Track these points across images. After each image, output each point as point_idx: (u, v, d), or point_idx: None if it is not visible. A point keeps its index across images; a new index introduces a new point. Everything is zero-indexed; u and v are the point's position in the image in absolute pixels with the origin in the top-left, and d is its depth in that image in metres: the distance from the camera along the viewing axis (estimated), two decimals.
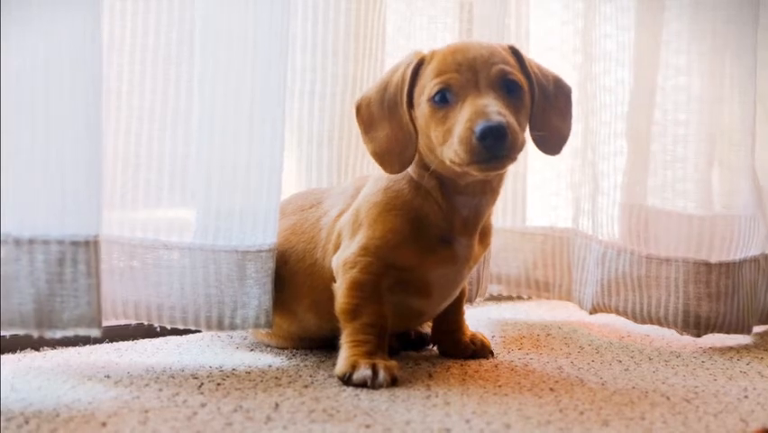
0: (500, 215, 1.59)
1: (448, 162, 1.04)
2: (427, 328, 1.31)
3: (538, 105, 1.11)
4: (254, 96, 1.14)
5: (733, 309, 1.39)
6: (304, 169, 1.39)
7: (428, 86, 1.07)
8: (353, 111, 1.14)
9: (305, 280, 1.18)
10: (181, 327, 1.17)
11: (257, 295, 1.16)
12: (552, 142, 1.14)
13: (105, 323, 1.24)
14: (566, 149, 1.57)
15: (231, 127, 1.15)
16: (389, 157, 1.11)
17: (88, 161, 1.01)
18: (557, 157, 1.59)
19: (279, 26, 1.15)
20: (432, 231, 1.11)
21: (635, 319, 1.43)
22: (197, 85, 1.15)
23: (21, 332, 1.00)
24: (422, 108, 1.08)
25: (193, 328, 1.17)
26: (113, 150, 1.16)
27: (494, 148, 1.00)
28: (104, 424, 0.88)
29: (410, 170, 1.12)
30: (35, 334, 0.99)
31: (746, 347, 1.38)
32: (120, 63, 1.16)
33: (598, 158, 1.48)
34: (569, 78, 1.57)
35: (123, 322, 1.24)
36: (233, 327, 1.16)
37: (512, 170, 1.60)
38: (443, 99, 1.05)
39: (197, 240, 1.15)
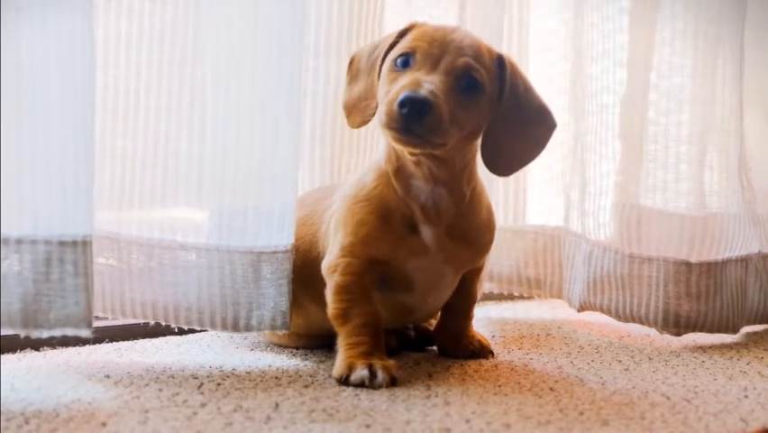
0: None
1: (379, 123, 1.05)
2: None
3: (503, 120, 1.10)
4: (269, 94, 1.15)
5: (715, 309, 1.39)
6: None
7: (398, 47, 1.08)
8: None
9: (310, 272, 1.18)
10: (198, 327, 1.17)
11: (272, 296, 1.16)
12: (504, 162, 1.13)
13: (119, 322, 1.26)
14: (563, 149, 1.58)
15: (246, 126, 1.15)
16: (354, 111, 1.14)
17: (79, 161, 1.01)
18: (556, 158, 1.61)
19: (294, 25, 1.15)
20: (397, 218, 1.11)
21: (618, 318, 1.44)
22: (213, 84, 1.16)
23: (7, 331, 1.00)
24: (385, 66, 1.09)
25: (209, 329, 1.18)
26: (131, 150, 1.16)
27: (409, 120, 1.00)
28: (104, 424, 0.88)
29: (383, 154, 1.13)
30: (22, 333, 0.99)
31: (746, 347, 1.38)
32: (138, 62, 1.16)
33: (588, 156, 1.48)
34: (567, 78, 1.58)
35: (135, 321, 1.25)
36: (248, 328, 1.16)
37: None
38: (405, 64, 1.06)
39: (213, 240, 1.16)
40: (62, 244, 1.00)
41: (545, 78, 1.63)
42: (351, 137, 1.41)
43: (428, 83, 1.02)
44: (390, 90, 1.04)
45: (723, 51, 1.42)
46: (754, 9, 1.50)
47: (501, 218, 1.62)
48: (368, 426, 0.89)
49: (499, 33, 1.54)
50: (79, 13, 1.00)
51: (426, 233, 1.12)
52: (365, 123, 1.13)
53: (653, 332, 1.45)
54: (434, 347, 1.28)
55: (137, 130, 1.16)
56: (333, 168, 1.40)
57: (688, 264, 1.39)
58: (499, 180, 1.60)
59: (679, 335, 1.40)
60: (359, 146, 1.42)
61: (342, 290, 1.11)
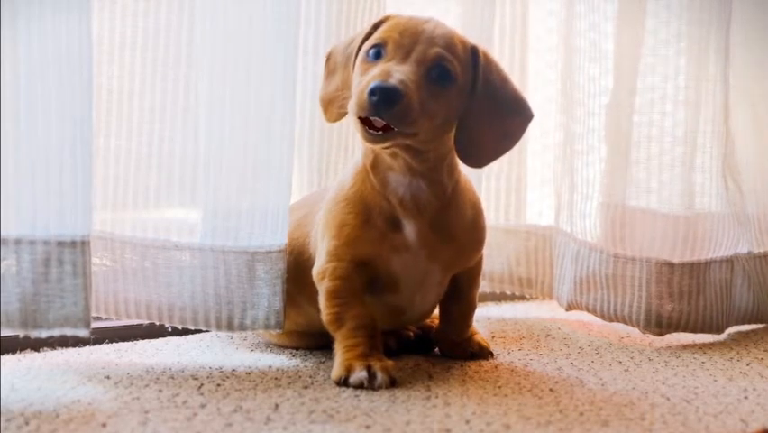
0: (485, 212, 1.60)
1: (350, 114, 1.04)
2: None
3: (477, 110, 1.09)
4: (263, 94, 1.15)
5: (698, 309, 1.40)
6: None
7: (371, 39, 1.08)
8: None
9: (304, 274, 1.18)
10: (192, 327, 1.17)
11: (266, 296, 1.16)
12: (477, 153, 1.12)
13: (119, 323, 1.26)
14: (558, 151, 1.58)
15: (240, 126, 1.15)
16: (330, 105, 1.14)
17: (77, 162, 1.01)
18: (557, 157, 1.61)
19: (288, 25, 1.15)
20: (377, 215, 1.11)
21: (602, 317, 1.45)
22: (207, 84, 1.16)
23: (6, 331, 1.00)
24: (358, 58, 1.09)
25: (204, 329, 1.18)
26: (125, 150, 1.17)
27: (379, 108, 0.99)
28: (104, 425, 0.88)
29: (362, 150, 1.13)
30: (20, 333, 1.00)
31: (746, 348, 1.38)
32: (132, 63, 1.16)
33: (578, 156, 1.49)
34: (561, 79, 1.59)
35: (134, 322, 1.25)
36: (242, 327, 1.17)
37: (494, 168, 1.60)
38: (377, 55, 1.06)
39: (208, 240, 1.16)
40: (61, 244, 1.00)
41: (545, 78, 1.64)
42: (339, 136, 1.41)
43: (398, 72, 1.02)
44: (362, 81, 1.04)
45: (708, 54, 1.43)
46: (743, 9, 1.50)
47: (493, 218, 1.62)
48: (368, 427, 0.89)
49: (500, 34, 1.55)
50: (77, 12, 1.00)
51: (409, 228, 1.11)
52: (342, 116, 1.13)
53: None
54: (436, 349, 1.28)
55: (131, 130, 1.17)
56: (320, 167, 1.40)
57: (670, 265, 1.40)
58: (491, 178, 1.60)
59: (661, 335, 1.41)
60: (347, 145, 1.42)
61: (332, 295, 1.11)
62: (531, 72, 1.63)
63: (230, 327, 1.17)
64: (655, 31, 1.44)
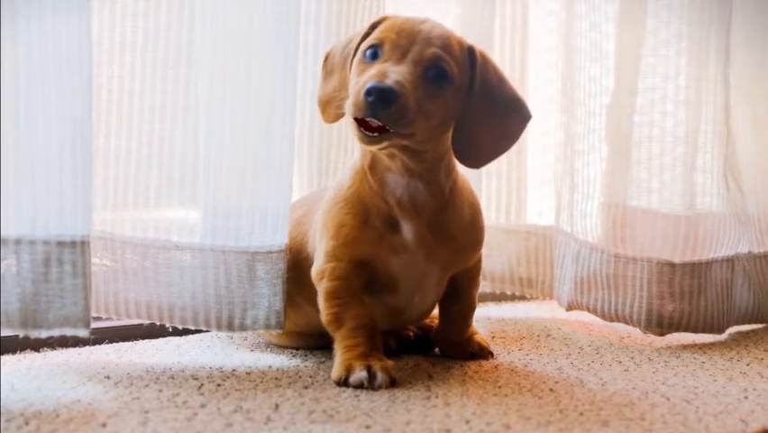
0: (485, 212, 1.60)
1: (347, 115, 1.04)
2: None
3: (474, 111, 1.09)
4: (263, 94, 1.15)
5: (699, 309, 1.41)
6: None
7: (368, 39, 1.08)
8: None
9: (301, 273, 1.18)
10: (192, 327, 1.18)
11: (267, 296, 1.16)
12: (475, 153, 1.12)
13: (119, 323, 1.26)
14: (558, 151, 1.58)
15: (240, 126, 1.15)
16: (328, 106, 1.14)
17: (77, 162, 1.01)
18: (557, 157, 1.61)
19: (289, 25, 1.15)
20: (375, 215, 1.11)
21: (603, 317, 1.45)
22: (207, 84, 1.16)
23: (6, 332, 1.00)
24: (355, 58, 1.09)
25: (204, 329, 1.18)
26: (125, 150, 1.17)
27: (375, 108, 0.99)
28: (104, 425, 0.88)
29: (360, 150, 1.13)
30: (20, 333, 1.00)
31: (746, 348, 1.38)
32: (132, 63, 1.16)
33: (579, 156, 1.49)
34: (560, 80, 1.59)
35: (135, 322, 1.25)
36: (243, 327, 1.17)
37: (494, 168, 1.60)
38: (374, 55, 1.06)
39: (208, 240, 1.16)
40: (61, 244, 1.00)
41: (546, 78, 1.64)
42: (339, 136, 1.41)
43: (395, 73, 1.01)
44: (359, 81, 1.04)
45: (709, 54, 1.43)
46: (743, 9, 1.51)
47: (493, 218, 1.62)
48: (368, 427, 0.89)
49: (501, 34, 1.55)
50: (77, 12, 1.00)
51: (407, 229, 1.11)
52: (339, 117, 1.13)
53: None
54: (436, 349, 1.28)
55: (131, 130, 1.17)
56: (320, 167, 1.40)
57: (671, 265, 1.40)
58: (491, 178, 1.60)
59: (662, 335, 1.41)
60: (347, 145, 1.42)
61: (331, 296, 1.11)
62: (531, 72, 1.63)
63: (230, 327, 1.17)
64: (656, 31, 1.44)
